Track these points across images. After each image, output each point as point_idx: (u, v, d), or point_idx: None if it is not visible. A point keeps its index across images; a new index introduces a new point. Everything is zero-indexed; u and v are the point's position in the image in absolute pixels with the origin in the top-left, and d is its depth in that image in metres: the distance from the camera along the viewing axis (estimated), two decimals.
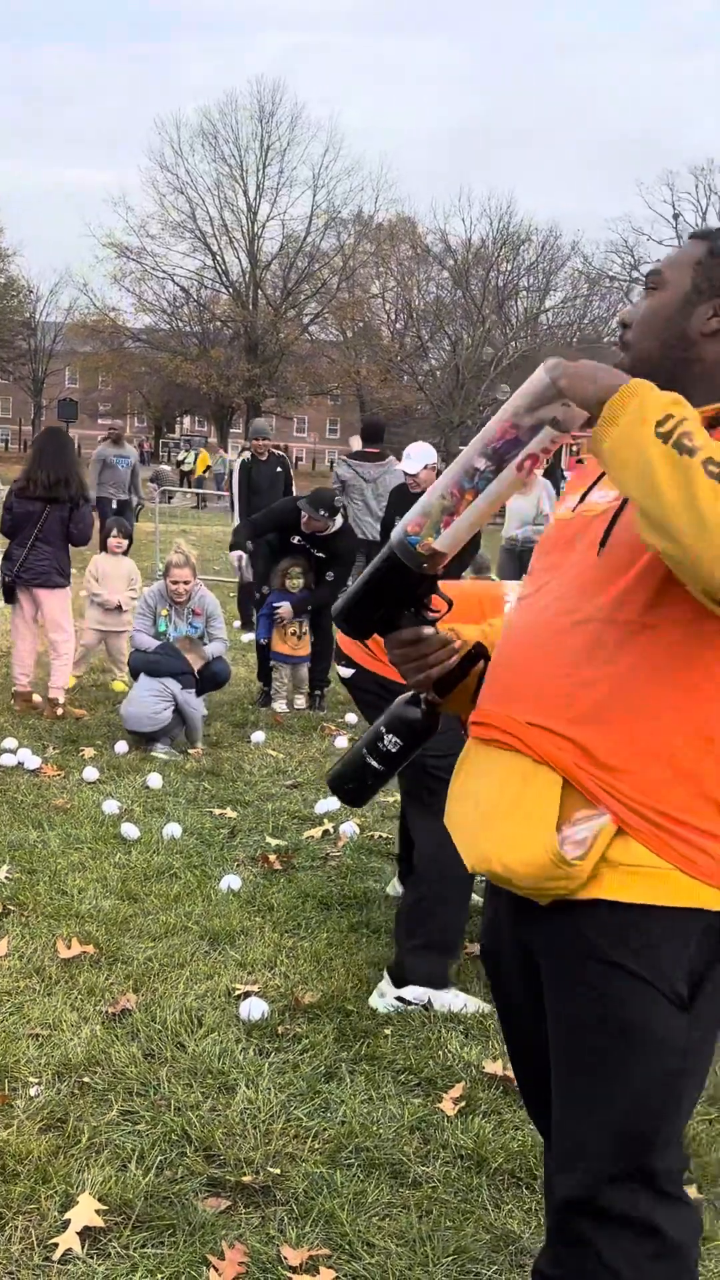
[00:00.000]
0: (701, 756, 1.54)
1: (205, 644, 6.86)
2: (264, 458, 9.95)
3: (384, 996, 3.58)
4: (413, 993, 3.55)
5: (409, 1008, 3.53)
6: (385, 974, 3.64)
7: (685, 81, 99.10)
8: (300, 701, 7.87)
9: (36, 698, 7.17)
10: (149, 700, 6.40)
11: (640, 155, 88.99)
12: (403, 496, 7.94)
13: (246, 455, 10.28)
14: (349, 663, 3.90)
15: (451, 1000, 3.57)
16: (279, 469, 10.00)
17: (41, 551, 6.99)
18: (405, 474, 7.80)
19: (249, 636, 9.93)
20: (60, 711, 6.99)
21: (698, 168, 57.59)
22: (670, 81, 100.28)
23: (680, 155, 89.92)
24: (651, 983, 1.54)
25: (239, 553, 7.71)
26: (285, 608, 7.63)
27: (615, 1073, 1.57)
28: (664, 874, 1.54)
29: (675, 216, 58.72)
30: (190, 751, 6.43)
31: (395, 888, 4.48)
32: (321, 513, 7.34)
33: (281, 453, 10.45)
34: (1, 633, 8.92)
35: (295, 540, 7.55)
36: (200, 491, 33.02)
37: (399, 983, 3.57)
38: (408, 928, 3.62)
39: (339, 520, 7.60)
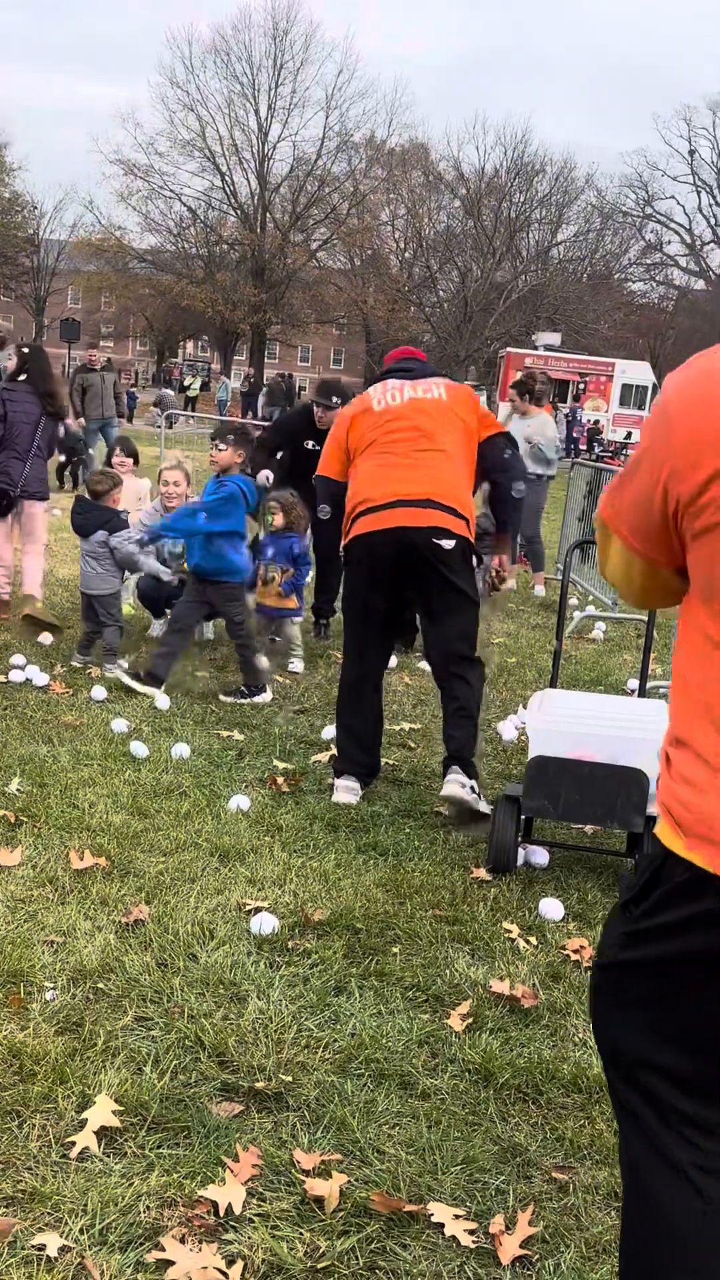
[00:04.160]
0: (675, 694, 1.60)
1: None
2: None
3: (463, 787, 4.50)
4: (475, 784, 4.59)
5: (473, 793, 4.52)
6: (459, 770, 4.53)
7: (707, 15, 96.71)
8: (296, 664, 6.91)
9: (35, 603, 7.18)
10: (87, 560, 6.42)
11: (658, 89, 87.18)
12: None
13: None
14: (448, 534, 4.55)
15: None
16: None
17: (37, 465, 7.03)
18: None
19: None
20: (40, 606, 7.05)
21: (715, 103, 56.44)
22: (692, 14, 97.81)
23: (698, 90, 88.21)
24: (622, 892, 1.66)
25: (265, 471, 7.50)
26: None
27: None
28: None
29: (691, 153, 57.75)
30: (197, 674, 6.45)
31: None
32: (334, 400, 7.13)
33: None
34: None
35: (309, 446, 7.26)
36: (198, 415, 32.75)
37: (473, 775, 4.59)
38: (470, 738, 4.65)
39: None
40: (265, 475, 7.50)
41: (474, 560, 4.78)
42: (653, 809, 4.01)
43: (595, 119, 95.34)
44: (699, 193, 58.38)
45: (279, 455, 7.62)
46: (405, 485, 4.57)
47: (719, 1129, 1.53)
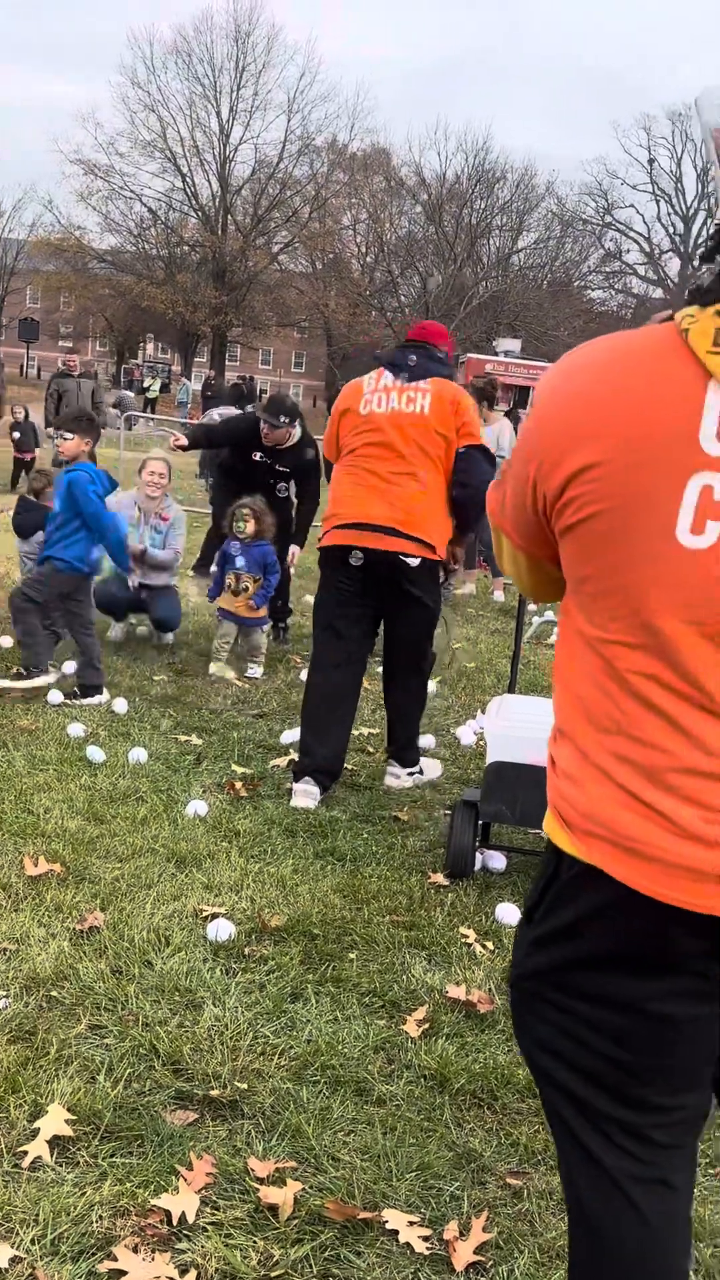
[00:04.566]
0: (555, 691, 1.60)
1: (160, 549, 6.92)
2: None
3: (399, 779, 5.08)
4: (416, 769, 5.14)
5: (419, 777, 5.15)
6: (395, 764, 5.11)
7: (667, 24, 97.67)
8: (255, 670, 6.81)
9: None
10: (25, 562, 6.40)
11: (618, 98, 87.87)
12: None
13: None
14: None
15: (431, 768, 5.27)
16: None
17: None
18: None
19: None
20: None
21: (674, 113, 56.92)
22: (651, 24, 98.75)
23: (657, 99, 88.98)
24: (527, 899, 1.63)
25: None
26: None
27: None
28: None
29: (650, 162, 58.22)
30: (156, 678, 6.41)
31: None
32: (282, 419, 7.05)
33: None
34: None
35: (256, 457, 7.19)
36: (156, 417, 32.57)
37: (409, 765, 5.11)
38: (405, 738, 5.10)
39: (299, 429, 7.23)
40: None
41: (440, 575, 4.88)
42: None
43: (556, 126, 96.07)
44: (658, 202, 58.90)
45: (221, 452, 7.49)
46: (373, 508, 4.67)
47: (650, 1134, 1.51)
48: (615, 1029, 1.49)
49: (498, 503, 1.67)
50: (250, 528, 6.72)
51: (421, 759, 5.22)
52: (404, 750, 5.10)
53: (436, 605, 4.89)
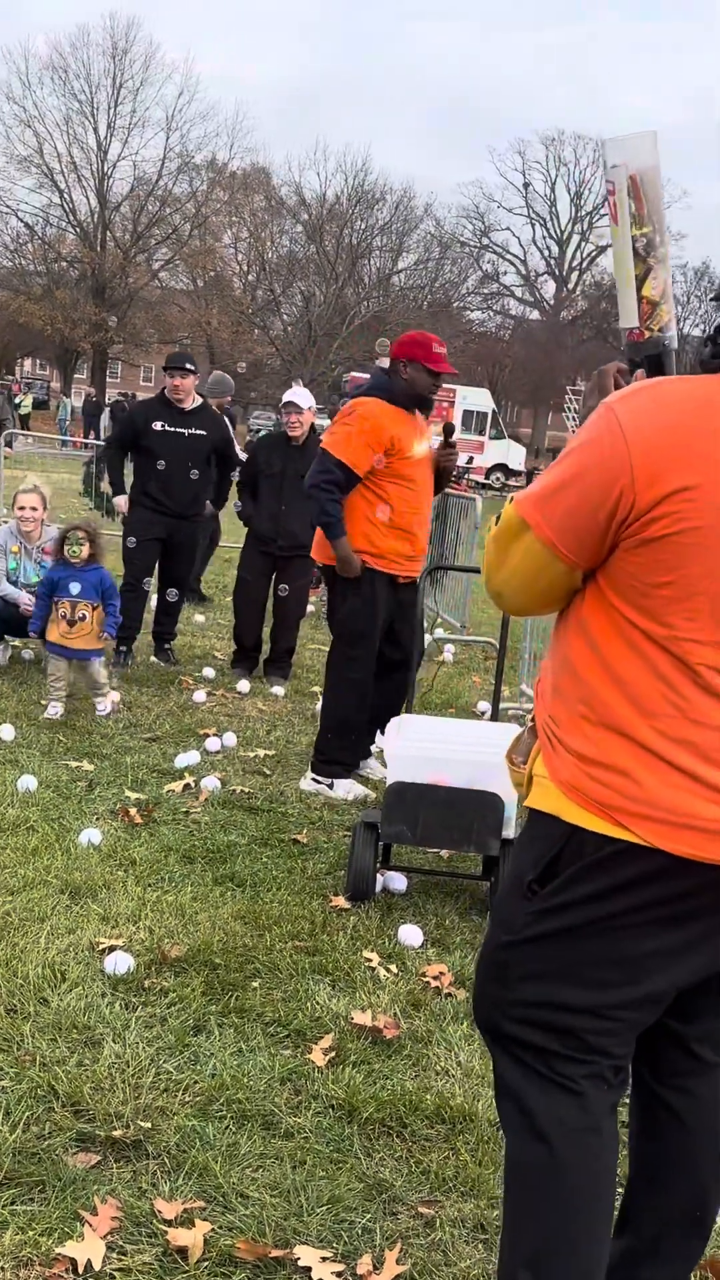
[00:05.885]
0: (573, 684, 1.82)
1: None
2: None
3: (310, 780, 5.28)
4: (319, 778, 5.28)
5: (320, 786, 5.27)
6: (310, 769, 5.32)
7: (538, 52, 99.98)
8: (103, 706, 6.14)
9: None
10: None
11: (493, 123, 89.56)
12: (278, 444, 7.34)
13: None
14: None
15: (347, 787, 5.29)
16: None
17: None
18: (294, 404, 7.16)
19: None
20: None
21: (548, 138, 58.25)
22: (524, 51, 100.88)
23: (531, 125, 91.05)
24: (519, 872, 1.87)
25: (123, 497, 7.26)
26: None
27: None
28: (542, 781, 1.84)
29: (526, 185, 59.44)
30: (43, 702, 6.26)
31: None
32: (188, 365, 7.09)
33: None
34: None
35: (158, 426, 7.01)
36: (37, 434, 31.96)
37: (321, 771, 5.26)
38: (318, 740, 5.32)
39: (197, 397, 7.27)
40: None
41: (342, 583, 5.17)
42: (509, 832, 4.05)
43: (434, 150, 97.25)
44: (533, 225, 60.16)
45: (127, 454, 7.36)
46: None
47: (606, 1076, 1.81)
48: (610, 983, 1.75)
49: (539, 513, 1.77)
50: (84, 551, 6.12)
51: (337, 779, 5.31)
52: (314, 750, 5.38)
53: (338, 608, 5.23)
